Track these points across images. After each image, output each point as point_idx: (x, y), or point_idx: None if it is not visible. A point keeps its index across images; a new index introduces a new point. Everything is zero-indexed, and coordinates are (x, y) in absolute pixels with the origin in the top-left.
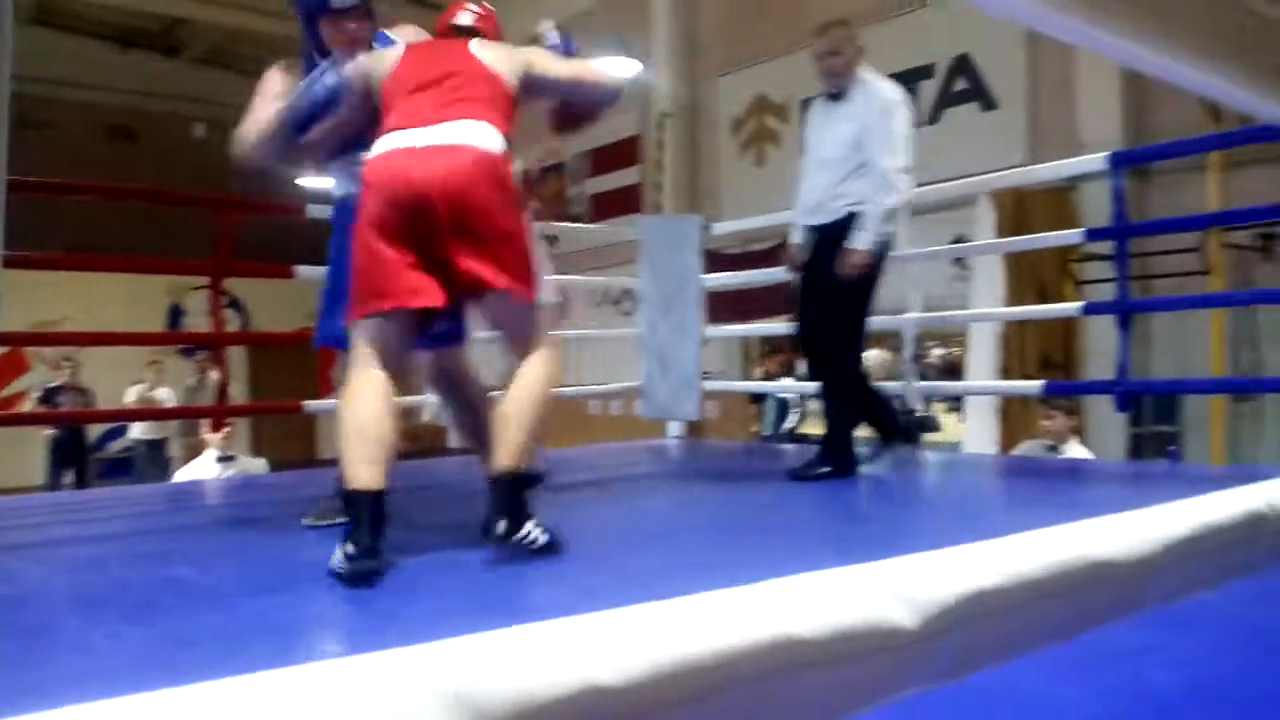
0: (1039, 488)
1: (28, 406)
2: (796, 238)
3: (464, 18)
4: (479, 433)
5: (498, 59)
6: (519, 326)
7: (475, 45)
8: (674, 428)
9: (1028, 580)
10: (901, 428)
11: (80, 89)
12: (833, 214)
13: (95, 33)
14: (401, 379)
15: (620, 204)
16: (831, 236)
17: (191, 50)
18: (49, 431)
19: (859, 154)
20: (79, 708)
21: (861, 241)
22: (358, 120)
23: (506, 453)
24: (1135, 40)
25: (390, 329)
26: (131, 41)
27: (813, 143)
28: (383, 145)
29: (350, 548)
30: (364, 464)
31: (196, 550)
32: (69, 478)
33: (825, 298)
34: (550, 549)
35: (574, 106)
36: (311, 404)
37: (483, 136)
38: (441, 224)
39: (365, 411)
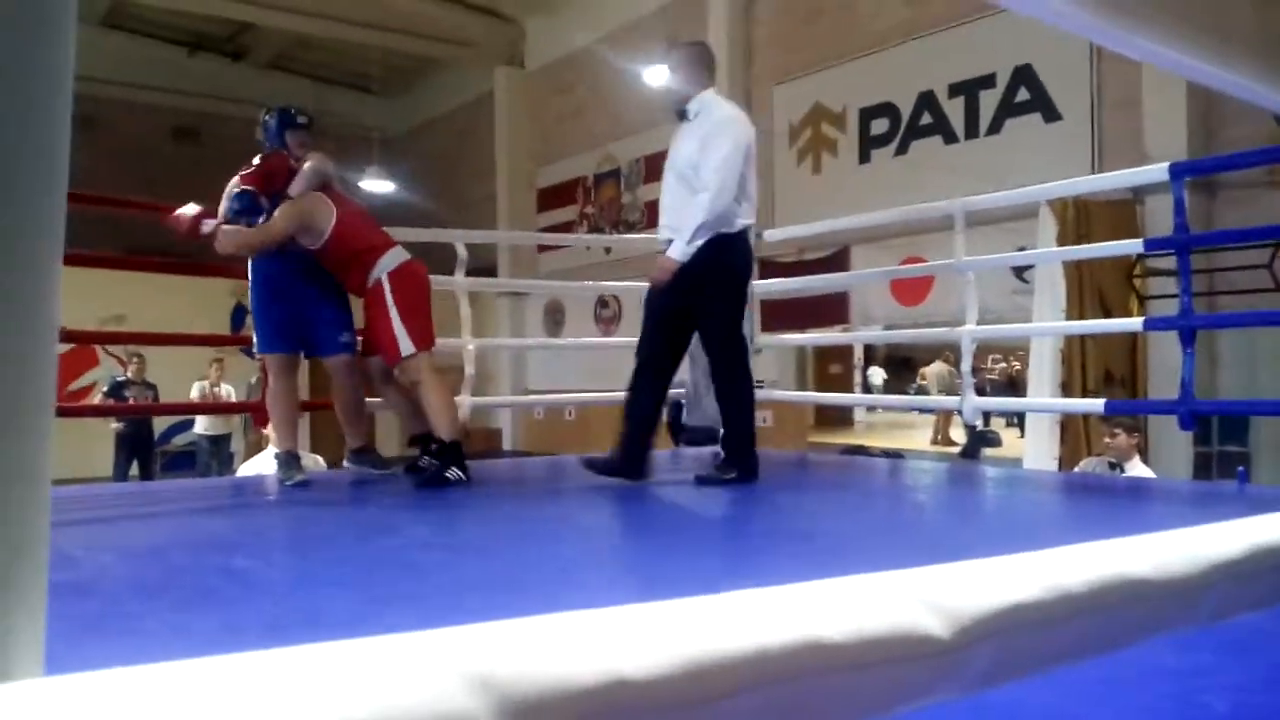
0: (1097, 506)
1: (96, 400)
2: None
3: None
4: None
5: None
6: None
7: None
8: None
9: (1066, 595)
10: (631, 466)
11: (148, 91)
12: (673, 232)
13: (165, 36)
14: None
15: None
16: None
17: (257, 55)
18: (116, 424)
19: (699, 173)
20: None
21: (674, 250)
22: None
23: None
24: (1193, 54)
25: None
26: (200, 45)
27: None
28: (400, 255)
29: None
30: (456, 422)
31: (254, 543)
32: (134, 470)
33: (651, 311)
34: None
35: None
36: (370, 401)
37: None
38: None
39: (449, 393)
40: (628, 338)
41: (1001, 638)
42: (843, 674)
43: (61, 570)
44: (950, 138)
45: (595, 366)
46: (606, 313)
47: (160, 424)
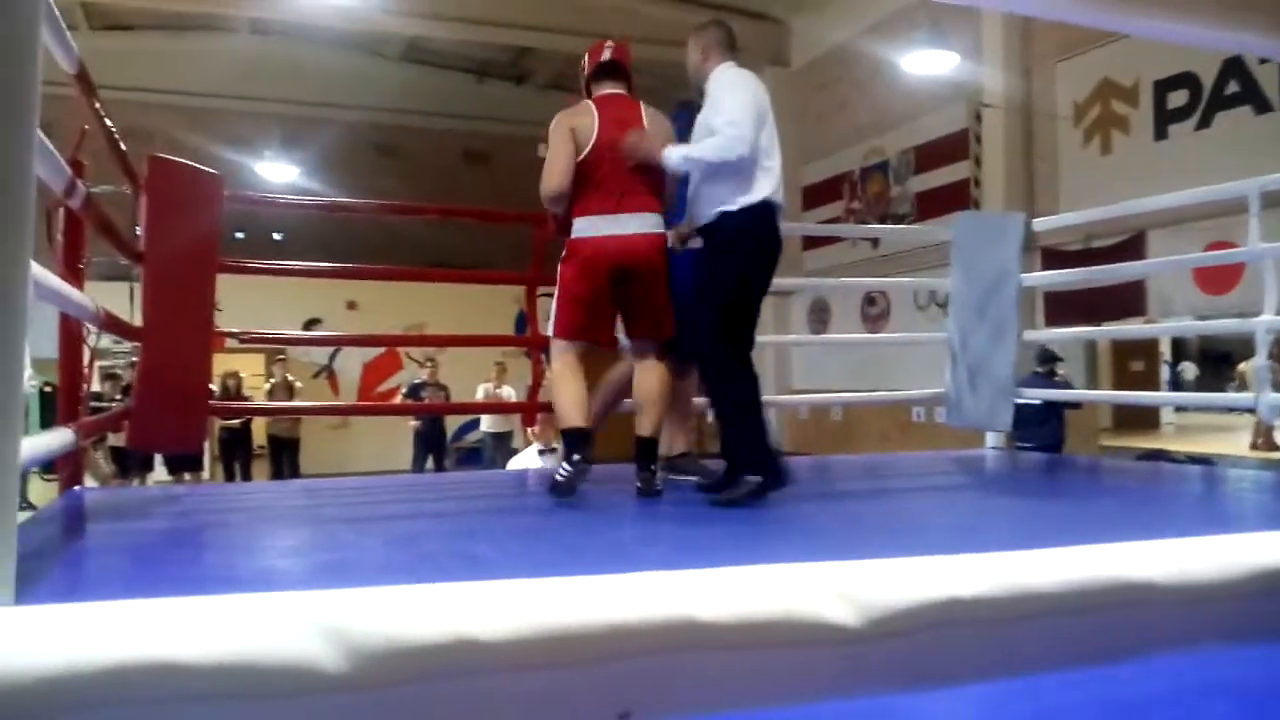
0: None
1: (398, 401)
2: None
3: (614, 55)
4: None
5: (657, 131)
6: None
7: (648, 116)
8: (990, 438)
9: (1025, 595)
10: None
11: (441, 118)
12: (700, 217)
13: (455, 66)
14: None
15: (948, 201)
16: (702, 237)
17: (537, 77)
18: (414, 422)
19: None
20: None
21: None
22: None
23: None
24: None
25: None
26: (485, 72)
27: None
28: (590, 228)
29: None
30: (572, 414)
31: (498, 530)
32: (430, 464)
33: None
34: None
35: None
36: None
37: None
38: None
39: (572, 388)
40: (894, 333)
41: (927, 633)
42: (720, 652)
43: (330, 550)
44: (1263, 107)
45: (861, 366)
46: (874, 310)
47: (454, 422)
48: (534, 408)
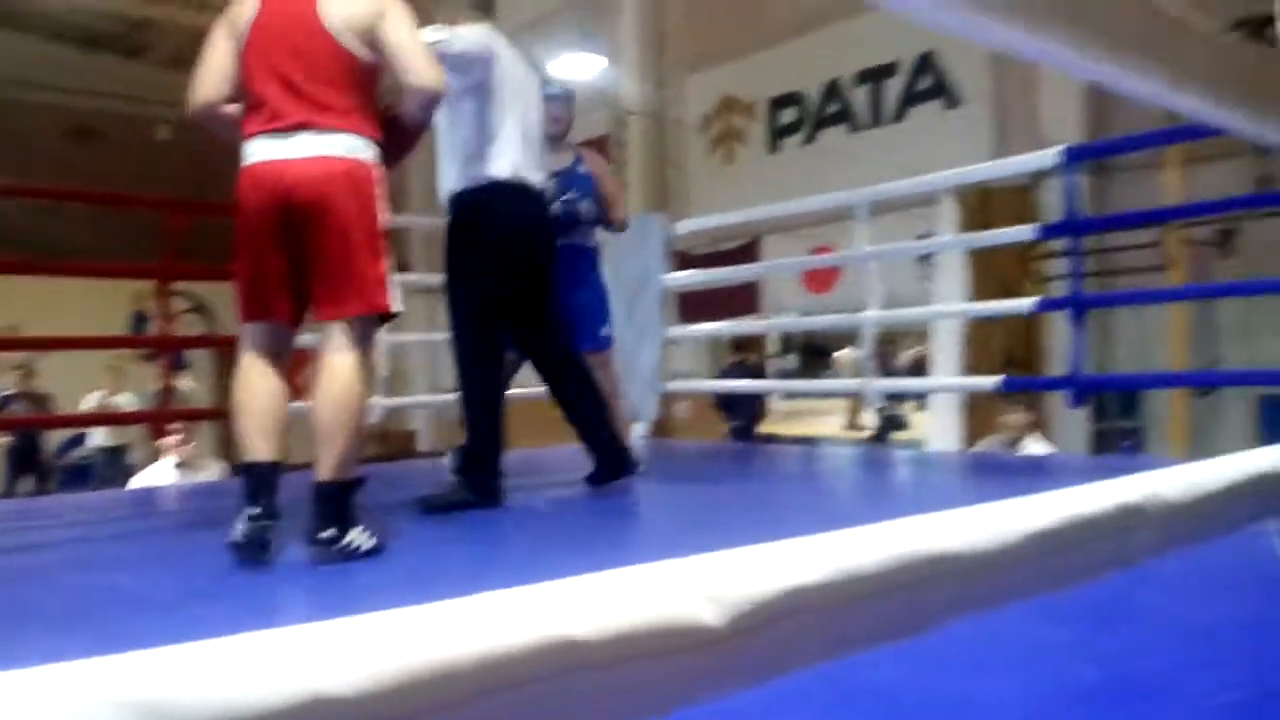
0: (971, 484)
1: None
2: None
3: None
4: None
5: (347, 18)
6: None
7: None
8: (639, 428)
9: (857, 576)
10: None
11: (42, 91)
12: (441, 197)
13: (57, 34)
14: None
15: None
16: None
17: (155, 52)
18: (3, 439)
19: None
20: None
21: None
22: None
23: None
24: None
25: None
26: (94, 43)
27: None
28: (252, 153)
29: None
30: (258, 438)
31: (137, 557)
32: (27, 486)
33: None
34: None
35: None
36: None
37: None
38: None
39: (242, 402)
40: None
41: (785, 623)
42: (596, 673)
43: None
44: (855, 126)
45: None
46: None
47: (56, 438)
48: (164, 416)
